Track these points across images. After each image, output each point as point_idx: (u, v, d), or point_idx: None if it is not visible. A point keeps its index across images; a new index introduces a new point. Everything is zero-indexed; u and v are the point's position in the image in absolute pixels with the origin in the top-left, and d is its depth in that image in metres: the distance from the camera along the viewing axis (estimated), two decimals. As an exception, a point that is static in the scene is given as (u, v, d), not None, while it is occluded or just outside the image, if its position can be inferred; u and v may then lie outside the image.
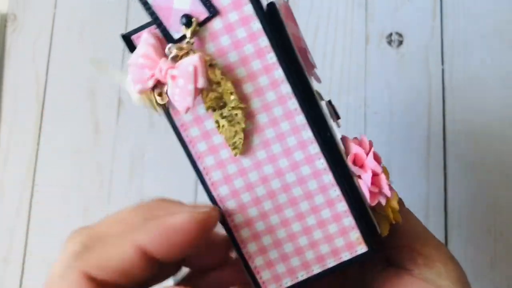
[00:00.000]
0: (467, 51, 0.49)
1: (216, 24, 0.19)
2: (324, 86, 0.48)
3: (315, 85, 0.23)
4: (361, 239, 0.21)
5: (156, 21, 0.21)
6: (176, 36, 0.20)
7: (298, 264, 0.21)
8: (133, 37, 0.22)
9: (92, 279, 0.19)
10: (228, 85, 0.19)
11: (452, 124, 0.48)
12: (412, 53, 0.49)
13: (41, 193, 0.50)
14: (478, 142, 0.48)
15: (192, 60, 0.18)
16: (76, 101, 0.51)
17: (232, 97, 0.19)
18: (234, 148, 0.19)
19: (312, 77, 0.24)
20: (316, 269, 0.21)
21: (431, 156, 0.48)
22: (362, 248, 0.21)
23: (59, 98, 0.51)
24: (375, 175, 0.20)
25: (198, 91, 0.19)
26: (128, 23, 0.52)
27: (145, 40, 0.21)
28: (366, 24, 0.50)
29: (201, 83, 0.18)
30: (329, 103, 0.24)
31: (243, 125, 0.19)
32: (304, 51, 0.23)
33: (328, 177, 0.20)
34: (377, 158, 0.21)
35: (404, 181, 0.48)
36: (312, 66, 0.24)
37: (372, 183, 0.20)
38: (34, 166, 0.50)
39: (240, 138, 0.19)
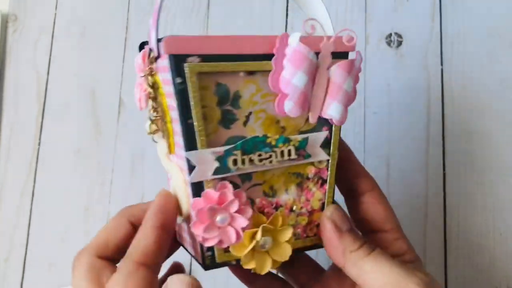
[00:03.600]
0: (466, 52, 0.49)
1: (161, 61, 0.27)
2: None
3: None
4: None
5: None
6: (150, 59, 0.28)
7: None
8: (146, 47, 0.29)
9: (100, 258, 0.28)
10: (165, 104, 0.28)
11: (451, 124, 0.48)
12: (412, 53, 0.49)
13: (42, 193, 0.50)
14: (478, 142, 0.48)
15: (143, 83, 0.29)
16: (77, 101, 0.51)
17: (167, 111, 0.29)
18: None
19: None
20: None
21: (431, 156, 0.48)
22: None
23: (59, 98, 0.52)
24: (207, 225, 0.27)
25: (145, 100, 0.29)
26: (128, 23, 0.52)
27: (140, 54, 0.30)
28: (366, 25, 0.50)
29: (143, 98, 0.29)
30: None
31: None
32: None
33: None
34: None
35: (404, 181, 0.48)
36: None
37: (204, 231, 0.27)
38: (34, 166, 0.51)
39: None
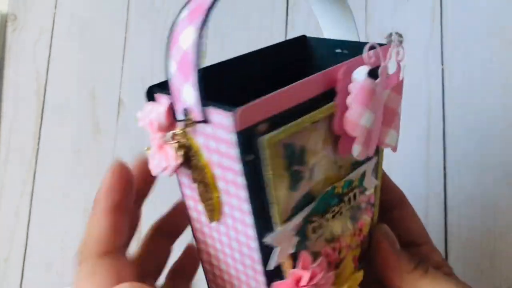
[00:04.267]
0: (467, 51, 0.49)
1: (207, 127, 0.21)
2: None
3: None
4: None
5: (170, 93, 0.22)
6: (179, 117, 0.22)
7: None
8: (156, 95, 0.23)
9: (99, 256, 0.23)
10: (210, 173, 0.22)
11: (452, 124, 0.48)
12: (412, 53, 0.49)
13: (41, 193, 0.50)
14: (478, 142, 0.48)
15: (171, 153, 0.22)
16: (76, 101, 0.51)
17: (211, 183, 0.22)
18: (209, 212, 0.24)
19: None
20: None
21: (431, 156, 0.48)
22: None
23: (59, 98, 0.51)
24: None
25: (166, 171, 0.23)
26: (128, 24, 0.52)
27: (157, 108, 0.23)
28: (366, 24, 0.50)
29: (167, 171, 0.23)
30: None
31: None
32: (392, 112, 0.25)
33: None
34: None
35: (404, 181, 0.48)
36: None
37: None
38: (34, 166, 0.50)
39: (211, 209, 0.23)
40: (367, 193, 0.27)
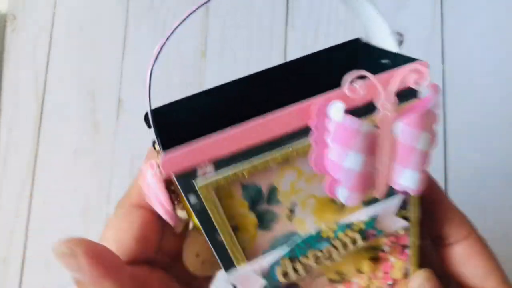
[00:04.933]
0: (468, 51, 0.49)
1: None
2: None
3: None
4: None
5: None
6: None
7: None
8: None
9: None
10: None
11: (452, 124, 0.48)
12: (413, 53, 0.49)
13: (41, 193, 0.50)
14: (478, 142, 0.48)
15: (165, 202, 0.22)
16: (76, 101, 0.51)
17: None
18: None
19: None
20: None
21: (431, 156, 0.48)
22: None
23: (58, 98, 0.51)
24: None
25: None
26: (127, 23, 0.52)
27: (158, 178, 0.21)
28: (366, 24, 0.50)
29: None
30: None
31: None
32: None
33: None
34: None
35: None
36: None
37: None
38: (33, 166, 0.50)
39: None
40: (387, 235, 0.24)
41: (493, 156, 0.48)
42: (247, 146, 0.19)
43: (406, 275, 0.25)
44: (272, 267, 0.22)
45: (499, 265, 0.26)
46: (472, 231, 0.26)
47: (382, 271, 0.25)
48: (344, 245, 0.22)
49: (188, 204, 0.20)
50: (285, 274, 0.22)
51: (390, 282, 0.25)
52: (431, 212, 0.25)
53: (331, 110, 0.19)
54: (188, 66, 0.50)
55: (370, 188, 0.21)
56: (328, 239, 0.22)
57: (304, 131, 0.19)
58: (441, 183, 0.48)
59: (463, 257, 0.26)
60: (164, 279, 0.25)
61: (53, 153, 0.51)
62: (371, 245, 0.24)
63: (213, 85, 0.23)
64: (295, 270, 0.22)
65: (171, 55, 0.51)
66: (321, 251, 0.22)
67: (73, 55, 0.52)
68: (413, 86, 0.20)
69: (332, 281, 0.24)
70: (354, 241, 0.22)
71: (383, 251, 0.24)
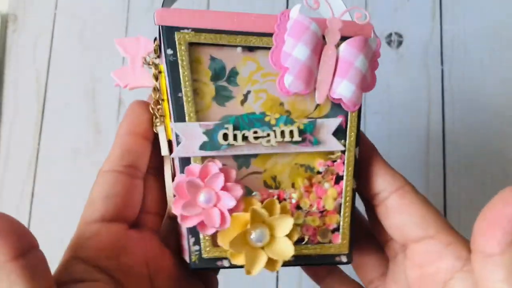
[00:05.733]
0: (467, 51, 0.49)
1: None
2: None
3: None
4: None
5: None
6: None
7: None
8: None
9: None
10: (164, 87, 0.27)
11: (452, 124, 0.48)
12: (412, 53, 0.49)
13: (41, 193, 0.50)
14: (478, 142, 0.48)
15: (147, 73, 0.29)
16: (77, 101, 0.51)
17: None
18: None
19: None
20: None
21: (431, 156, 0.48)
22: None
23: (59, 98, 0.52)
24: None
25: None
26: (128, 24, 0.52)
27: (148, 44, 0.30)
28: (366, 25, 0.50)
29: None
30: None
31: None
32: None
33: None
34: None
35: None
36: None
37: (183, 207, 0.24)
38: (34, 166, 0.50)
39: None
40: (322, 150, 0.26)
41: (493, 156, 0.48)
42: (224, 28, 0.25)
43: (337, 210, 0.27)
44: (215, 128, 0.25)
45: (438, 213, 0.26)
46: (405, 184, 0.27)
47: (315, 194, 0.27)
48: (282, 134, 0.26)
49: (164, 59, 0.25)
50: (225, 137, 0.25)
51: (321, 208, 0.27)
52: (367, 169, 0.27)
53: (292, 10, 0.25)
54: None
55: (311, 84, 0.26)
56: (269, 125, 0.26)
57: (270, 35, 0.26)
58: (440, 180, 0.48)
59: (397, 207, 0.26)
60: (152, 241, 0.27)
61: (54, 152, 0.51)
62: (308, 163, 0.27)
63: None
64: (235, 136, 0.25)
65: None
66: (261, 131, 0.26)
67: (74, 55, 0.52)
68: (356, 20, 0.27)
69: (266, 184, 0.26)
70: (291, 134, 0.26)
71: (319, 172, 0.27)
